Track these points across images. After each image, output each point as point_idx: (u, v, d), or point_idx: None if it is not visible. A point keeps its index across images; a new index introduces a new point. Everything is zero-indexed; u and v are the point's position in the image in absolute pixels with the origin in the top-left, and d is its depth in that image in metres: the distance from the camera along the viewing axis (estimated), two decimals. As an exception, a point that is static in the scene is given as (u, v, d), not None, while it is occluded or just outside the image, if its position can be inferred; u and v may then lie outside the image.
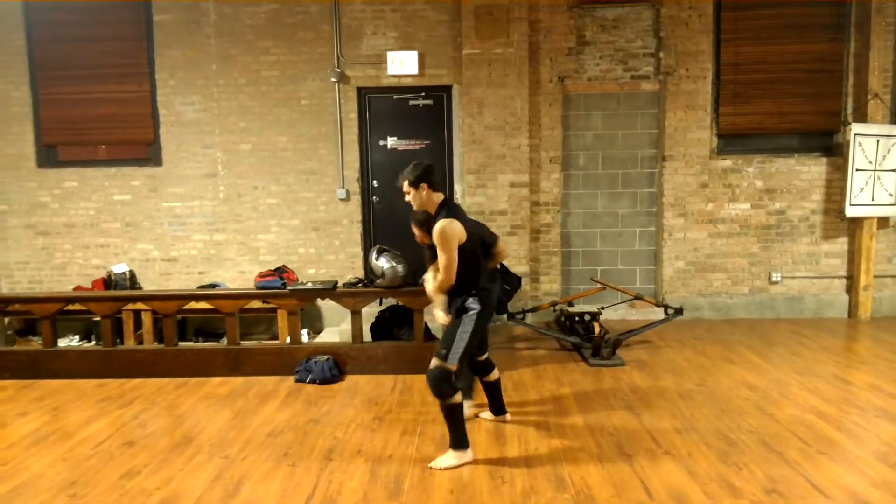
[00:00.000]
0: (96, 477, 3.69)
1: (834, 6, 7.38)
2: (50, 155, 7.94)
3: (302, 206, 7.81)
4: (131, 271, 7.84)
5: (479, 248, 3.96)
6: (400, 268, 5.60)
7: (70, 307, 6.01)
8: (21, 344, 7.32)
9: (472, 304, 3.81)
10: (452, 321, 3.83)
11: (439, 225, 3.67)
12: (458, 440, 3.76)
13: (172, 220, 7.90)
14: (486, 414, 4.50)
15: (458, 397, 3.71)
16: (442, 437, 4.17)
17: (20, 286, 8.03)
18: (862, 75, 7.32)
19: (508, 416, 4.46)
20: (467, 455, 3.78)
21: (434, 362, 3.73)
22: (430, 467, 3.70)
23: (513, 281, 6.48)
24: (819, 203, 7.59)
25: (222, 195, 7.83)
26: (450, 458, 3.76)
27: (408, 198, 3.86)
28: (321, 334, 7.36)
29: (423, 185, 3.79)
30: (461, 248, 3.70)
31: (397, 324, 6.12)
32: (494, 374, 4.35)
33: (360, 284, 5.94)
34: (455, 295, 3.85)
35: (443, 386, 3.66)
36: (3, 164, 7.88)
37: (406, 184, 3.82)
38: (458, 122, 7.59)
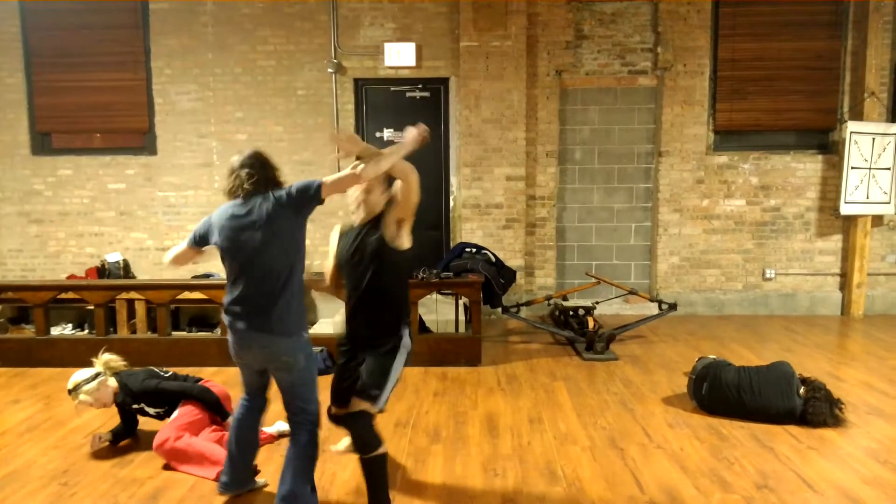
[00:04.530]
0: (88, 465, 3.69)
1: (832, 4, 7.38)
2: (44, 142, 7.90)
3: (297, 197, 7.77)
4: (125, 260, 7.80)
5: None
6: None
7: (63, 295, 5.98)
8: (13, 332, 7.28)
9: (407, 339, 3.17)
10: (384, 358, 3.10)
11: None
12: (383, 498, 3.06)
13: (167, 209, 7.87)
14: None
15: (383, 448, 3.03)
16: (434, 430, 4.18)
17: (13, 274, 7.99)
18: (859, 73, 7.33)
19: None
20: None
21: (360, 405, 3.02)
22: None
23: (508, 274, 6.50)
24: (814, 200, 7.61)
25: (217, 185, 7.78)
26: None
27: (361, 196, 3.33)
28: (315, 326, 7.34)
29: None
30: (403, 256, 3.16)
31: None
32: None
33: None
34: (388, 332, 3.14)
35: (370, 435, 3.00)
36: (-3, 151, 7.85)
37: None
38: (455, 115, 7.56)
